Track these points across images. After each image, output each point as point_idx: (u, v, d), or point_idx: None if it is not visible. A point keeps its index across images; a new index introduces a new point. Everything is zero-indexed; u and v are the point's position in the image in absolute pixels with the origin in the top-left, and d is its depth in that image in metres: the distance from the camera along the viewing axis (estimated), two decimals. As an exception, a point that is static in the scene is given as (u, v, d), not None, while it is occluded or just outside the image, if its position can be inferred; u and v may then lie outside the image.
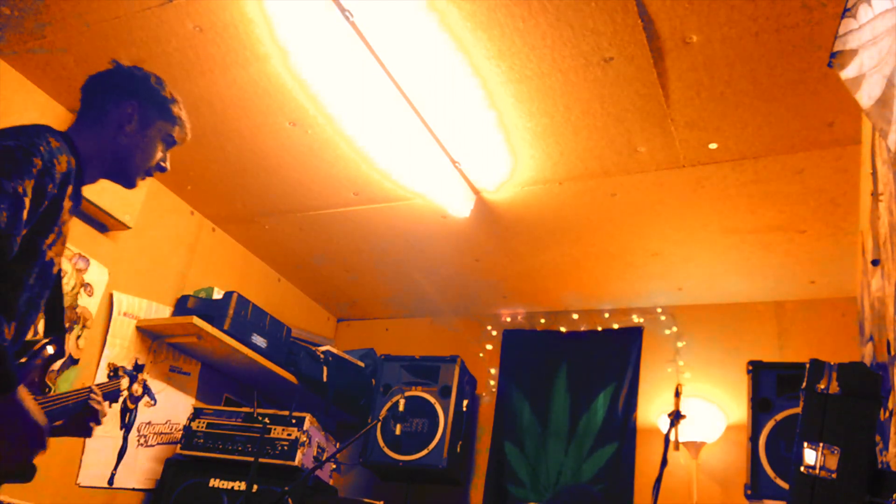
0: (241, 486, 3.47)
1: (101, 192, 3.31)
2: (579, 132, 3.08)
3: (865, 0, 1.49)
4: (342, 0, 2.54)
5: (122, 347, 3.57)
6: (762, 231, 3.54)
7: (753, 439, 3.16)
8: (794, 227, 3.48)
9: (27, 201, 1.48)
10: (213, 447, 3.62)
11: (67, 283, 3.31)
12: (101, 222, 3.48)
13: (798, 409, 1.90)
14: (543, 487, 4.20)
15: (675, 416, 2.70)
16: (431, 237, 4.05)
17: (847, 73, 1.57)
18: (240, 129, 3.36)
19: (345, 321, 5.33)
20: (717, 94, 2.76)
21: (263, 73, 2.98)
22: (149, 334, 3.72)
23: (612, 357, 4.36)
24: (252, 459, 3.39)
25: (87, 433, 1.83)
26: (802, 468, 1.77)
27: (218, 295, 3.84)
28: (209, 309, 3.72)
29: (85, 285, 3.40)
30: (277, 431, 3.57)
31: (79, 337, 3.35)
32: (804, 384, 1.87)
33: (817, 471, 1.74)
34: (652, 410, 4.14)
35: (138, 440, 3.63)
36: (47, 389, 1.77)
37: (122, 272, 3.62)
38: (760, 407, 3.21)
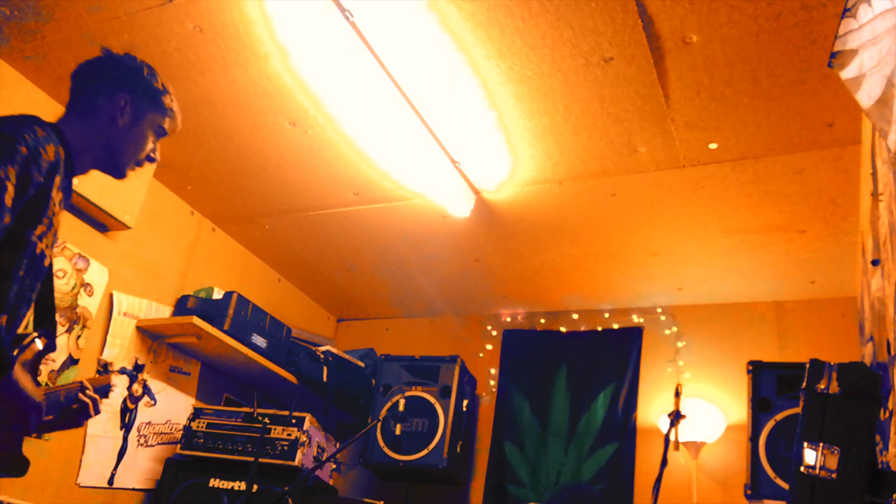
0: (241, 486, 3.47)
1: (102, 193, 3.31)
2: (579, 132, 3.08)
3: (865, 0, 1.49)
4: (342, 0, 2.54)
5: (122, 347, 3.57)
6: (762, 231, 3.55)
7: (753, 439, 3.16)
8: (794, 227, 3.48)
9: (10, 187, 1.48)
10: (213, 447, 3.62)
11: (67, 283, 3.31)
12: (101, 222, 3.48)
13: (798, 409, 1.90)
14: (543, 487, 4.20)
15: (675, 416, 2.70)
16: (431, 237, 4.05)
17: (847, 73, 1.57)
18: (240, 129, 3.36)
19: (345, 321, 5.33)
20: (717, 94, 2.76)
21: (263, 73, 2.98)
22: (149, 334, 3.72)
23: (612, 357, 4.36)
24: (252, 459, 3.39)
25: (78, 425, 1.85)
26: (802, 468, 1.77)
27: (218, 295, 3.84)
28: (209, 309, 3.72)
29: (85, 285, 3.40)
30: (277, 431, 3.57)
31: (79, 337, 3.35)
32: (804, 384, 1.87)
33: (817, 471, 1.74)
34: (652, 410, 4.14)
35: (138, 440, 3.63)
36: (39, 385, 1.78)
37: (122, 272, 3.62)
38: (760, 407, 3.21)
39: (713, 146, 3.04)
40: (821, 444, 1.76)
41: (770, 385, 3.23)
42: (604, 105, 2.90)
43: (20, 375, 1.57)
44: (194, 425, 3.70)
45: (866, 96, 1.50)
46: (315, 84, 3.00)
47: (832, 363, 1.85)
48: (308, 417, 3.61)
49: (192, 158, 3.61)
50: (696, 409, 3.82)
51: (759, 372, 3.28)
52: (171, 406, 3.82)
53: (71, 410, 1.81)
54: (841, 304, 3.89)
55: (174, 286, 3.94)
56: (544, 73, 2.77)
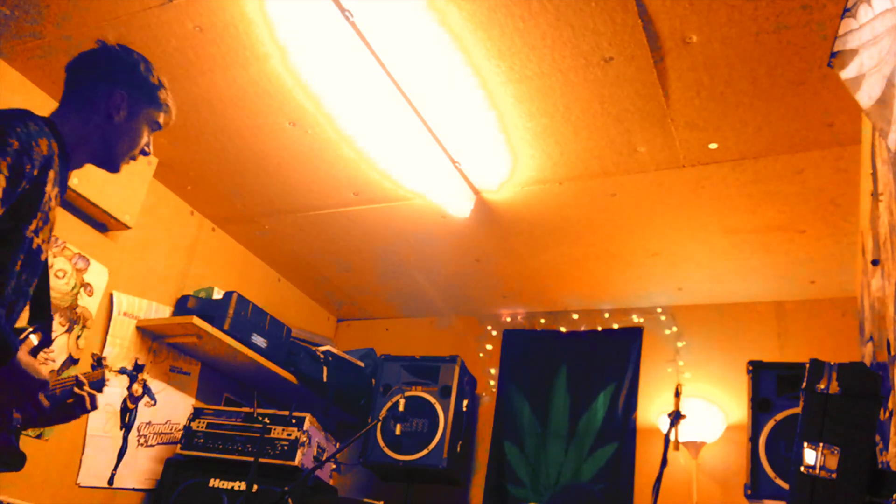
0: (241, 486, 3.47)
1: (102, 192, 3.31)
2: (579, 132, 3.08)
3: (865, 0, 1.49)
4: (342, 0, 2.54)
5: (122, 347, 3.57)
6: (762, 231, 3.54)
7: (753, 439, 3.16)
8: (794, 227, 3.48)
9: (2, 178, 1.47)
10: (213, 447, 3.62)
11: (67, 283, 3.31)
12: (101, 222, 3.48)
13: (798, 409, 1.90)
14: (543, 487, 4.20)
15: (675, 416, 2.70)
16: (431, 237, 4.04)
17: (847, 73, 1.57)
18: (240, 129, 3.36)
19: (345, 321, 5.33)
20: (717, 94, 2.76)
21: (263, 73, 2.98)
22: (149, 334, 3.72)
23: (612, 357, 4.36)
24: (252, 459, 3.39)
25: (75, 418, 1.86)
26: (802, 468, 1.77)
27: (218, 295, 3.84)
28: (209, 309, 3.72)
29: (85, 285, 3.40)
30: (277, 431, 3.58)
31: (79, 337, 3.35)
32: (804, 384, 1.87)
33: (817, 471, 1.74)
34: (652, 410, 4.14)
35: (138, 440, 3.63)
36: None
37: (122, 272, 3.62)
38: (760, 407, 3.21)
39: (713, 146, 3.04)
40: (821, 444, 1.76)
41: (770, 385, 3.23)
42: (604, 105, 2.90)
43: (24, 357, 1.59)
44: (194, 425, 3.70)
45: (866, 96, 1.50)
46: (315, 84, 3.00)
47: (832, 363, 1.85)
48: (308, 417, 3.61)
49: (192, 158, 3.61)
50: (696, 409, 3.82)
51: (759, 372, 3.28)
52: (171, 406, 3.82)
53: (67, 405, 1.82)
54: (841, 304, 3.89)
55: (174, 286, 3.94)
56: (544, 73, 2.77)
